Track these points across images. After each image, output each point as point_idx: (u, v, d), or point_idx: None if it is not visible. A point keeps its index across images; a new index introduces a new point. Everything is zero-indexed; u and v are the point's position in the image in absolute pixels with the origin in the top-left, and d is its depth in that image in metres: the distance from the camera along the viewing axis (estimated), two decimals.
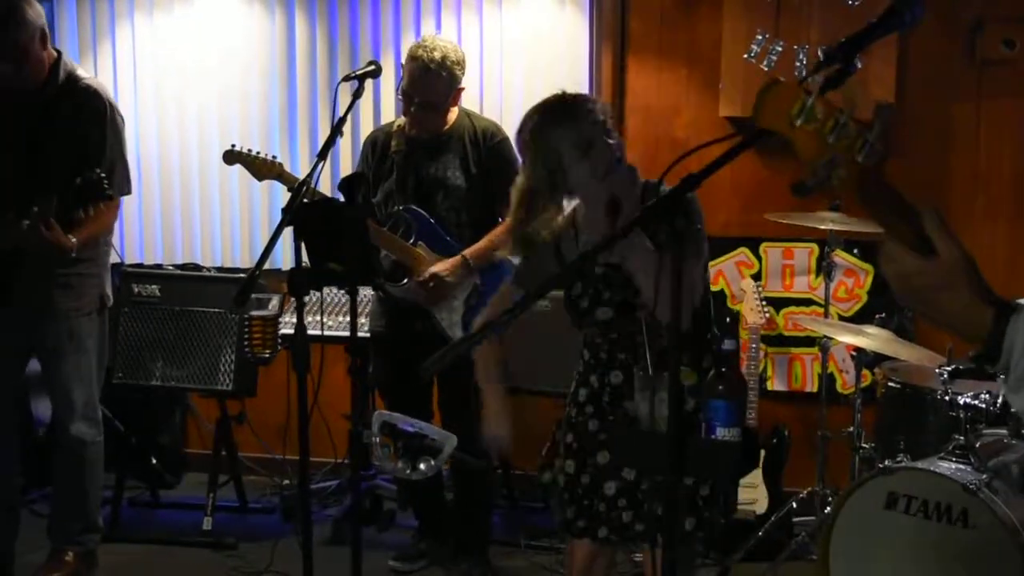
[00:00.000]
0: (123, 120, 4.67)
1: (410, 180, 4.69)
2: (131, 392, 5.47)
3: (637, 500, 3.24)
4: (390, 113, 5.88)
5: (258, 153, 4.65)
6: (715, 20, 5.58)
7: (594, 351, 3.36)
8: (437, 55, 4.52)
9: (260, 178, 4.69)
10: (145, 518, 5.73)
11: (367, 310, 5.05)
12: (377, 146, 4.80)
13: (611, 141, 3.21)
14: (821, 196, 1.66)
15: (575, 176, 3.16)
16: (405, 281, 4.63)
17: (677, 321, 2.04)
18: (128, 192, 4.73)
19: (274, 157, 4.67)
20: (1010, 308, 1.66)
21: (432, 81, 4.54)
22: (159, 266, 6.04)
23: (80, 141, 4.46)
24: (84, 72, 4.64)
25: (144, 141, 6.20)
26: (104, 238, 4.71)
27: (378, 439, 2.98)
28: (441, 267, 4.57)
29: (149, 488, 5.85)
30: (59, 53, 4.55)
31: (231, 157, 4.67)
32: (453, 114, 4.72)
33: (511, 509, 5.68)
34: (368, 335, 4.88)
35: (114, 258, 5.04)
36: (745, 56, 5.43)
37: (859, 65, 1.98)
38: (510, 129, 4.98)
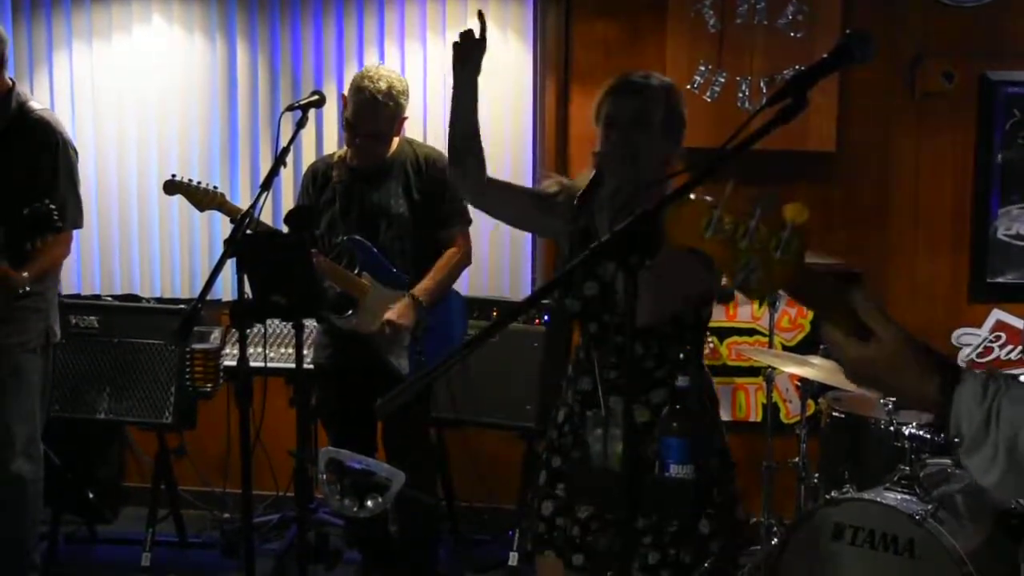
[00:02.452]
0: (76, 152, 4.59)
1: (353, 209, 4.66)
2: (68, 425, 5.36)
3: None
4: (332, 143, 5.85)
5: (199, 183, 4.59)
6: (658, 51, 5.60)
7: (575, 360, 3.29)
8: (383, 86, 4.49)
9: (201, 208, 4.62)
10: (82, 554, 5.62)
11: (311, 341, 5.00)
12: (318, 176, 4.76)
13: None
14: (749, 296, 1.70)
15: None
16: (350, 312, 4.59)
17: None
18: (80, 226, 4.65)
19: (215, 187, 4.61)
20: (954, 375, 1.69)
21: (378, 112, 4.51)
22: (97, 297, 5.95)
23: (30, 174, 4.38)
24: (37, 103, 4.56)
25: (82, 170, 6.07)
26: (52, 273, 4.62)
27: (325, 476, 2.94)
28: (394, 314, 4.51)
29: (86, 523, 5.73)
30: (13, 83, 4.47)
31: (171, 187, 4.61)
32: (395, 142, 4.69)
33: (456, 542, 5.63)
34: (312, 366, 4.83)
35: None
36: (688, 87, 5.45)
37: (809, 100, 1.99)
38: None
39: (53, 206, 4.08)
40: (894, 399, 1.76)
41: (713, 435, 3.14)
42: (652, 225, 1.99)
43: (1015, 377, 1.73)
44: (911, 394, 1.71)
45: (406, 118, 4.67)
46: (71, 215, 4.49)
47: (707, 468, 2.88)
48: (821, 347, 4.83)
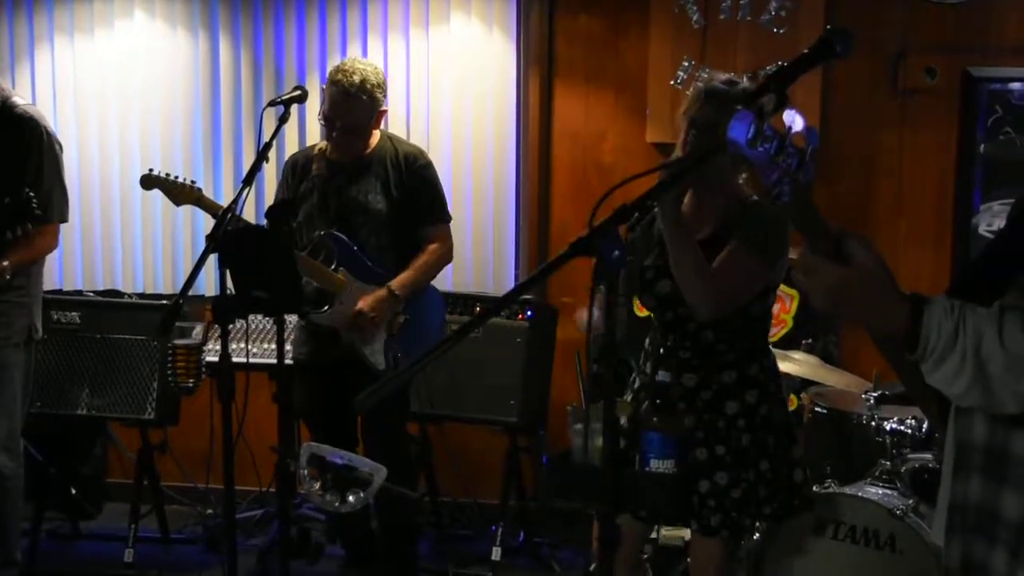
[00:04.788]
0: (61, 147, 4.59)
1: (331, 203, 4.63)
2: (51, 421, 5.34)
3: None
4: (315, 138, 5.82)
5: (176, 178, 4.56)
6: (642, 46, 5.61)
7: (650, 342, 3.46)
8: (356, 79, 4.48)
9: (178, 203, 4.59)
10: (65, 550, 5.60)
11: (290, 337, 4.98)
12: (297, 168, 4.74)
13: None
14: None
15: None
16: (327, 308, 4.57)
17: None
18: (66, 219, 4.64)
19: (193, 182, 4.57)
20: (923, 300, 1.79)
21: (353, 105, 4.50)
22: (79, 292, 5.93)
23: (15, 169, 4.37)
24: (20, 99, 4.55)
25: (64, 165, 6.08)
26: (37, 268, 4.60)
27: (306, 471, 2.93)
28: (366, 304, 4.51)
29: (69, 519, 5.71)
30: None
31: (149, 181, 4.57)
32: (375, 137, 4.67)
33: (439, 536, 5.63)
34: (291, 362, 4.81)
35: None
36: (672, 82, 5.47)
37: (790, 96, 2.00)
38: (436, 154, 4.97)
39: (33, 194, 4.08)
40: (862, 320, 1.81)
41: (773, 410, 3.35)
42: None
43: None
44: (883, 315, 1.80)
45: (384, 111, 4.65)
46: (57, 208, 4.50)
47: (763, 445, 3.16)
48: (804, 342, 4.85)
